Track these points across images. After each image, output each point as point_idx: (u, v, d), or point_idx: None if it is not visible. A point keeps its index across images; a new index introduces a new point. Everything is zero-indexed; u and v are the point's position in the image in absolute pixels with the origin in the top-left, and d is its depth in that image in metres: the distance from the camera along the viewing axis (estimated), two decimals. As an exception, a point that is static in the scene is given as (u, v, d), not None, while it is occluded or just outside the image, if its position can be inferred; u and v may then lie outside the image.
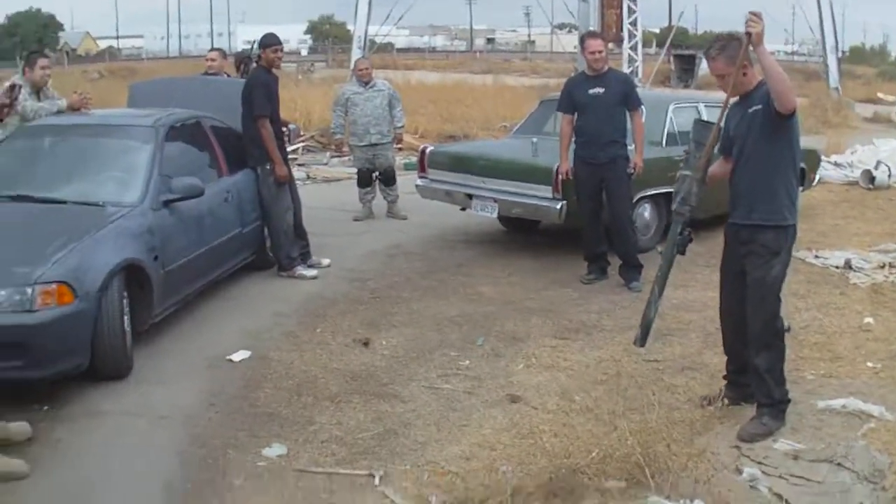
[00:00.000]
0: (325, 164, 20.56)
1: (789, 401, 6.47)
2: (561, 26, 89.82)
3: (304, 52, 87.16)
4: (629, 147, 10.51)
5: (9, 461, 5.90)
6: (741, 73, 6.39)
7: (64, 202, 8.09)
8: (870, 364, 7.80)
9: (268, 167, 10.62)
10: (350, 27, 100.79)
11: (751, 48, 6.17)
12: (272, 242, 10.90)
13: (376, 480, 5.67)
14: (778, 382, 6.40)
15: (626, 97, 10.51)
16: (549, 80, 43.54)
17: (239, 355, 8.05)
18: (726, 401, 6.62)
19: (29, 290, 6.68)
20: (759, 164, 6.38)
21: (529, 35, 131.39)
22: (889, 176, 19.14)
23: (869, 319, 9.18)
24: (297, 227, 11.07)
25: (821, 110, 38.30)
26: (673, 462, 5.45)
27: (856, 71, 79.74)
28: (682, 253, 6.69)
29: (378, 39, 47.79)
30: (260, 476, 5.82)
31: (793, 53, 77.69)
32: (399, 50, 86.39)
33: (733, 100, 6.59)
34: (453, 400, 7.05)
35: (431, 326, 8.96)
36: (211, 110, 10.69)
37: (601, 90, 10.48)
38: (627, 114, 10.59)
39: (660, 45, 65.48)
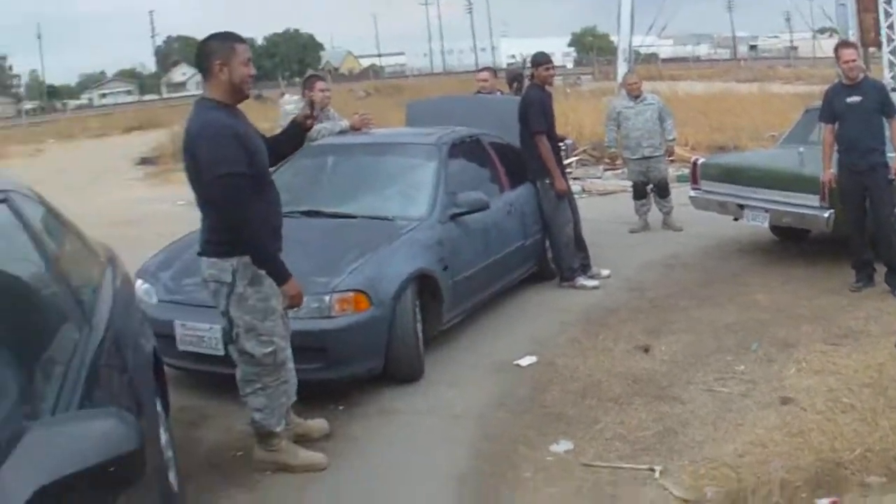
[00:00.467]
0: (600, 177, 20.90)
1: None
2: (822, 31, 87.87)
3: (569, 66, 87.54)
4: (890, 154, 10.55)
5: (311, 454, 6.46)
6: None
7: (354, 217, 8.68)
8: None
9: (547, 181, 11.08)
10: (613, 38, 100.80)
11: None
12: (554, 254, 11.34)
13: (656, 474, 6.03)
14: None
15: (883, 104, 10.57)
16: (813, 87, 42.69)
17: (526, 360, 8.52)
18: None
19: (327, 298, 7.26)
20: None
21: (791, 41, 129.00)
22: None
23: None
24: (577, 239, 11.49)
25: None
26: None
27: None
28: None
29: (642, 50, 47.81)
30: (548, 469, 6.24)
31: None
32: (663, 60, 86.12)
33: None
34: (729, 402, 7.32)
35: (708, 333, 9.23)
36: (487, 127, 11.23)
37: (858, 98, 10.56)
38: (886, 121, 10.67)
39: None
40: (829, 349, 8.51)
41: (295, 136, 6.73)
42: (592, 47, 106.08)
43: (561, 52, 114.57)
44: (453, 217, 9.02)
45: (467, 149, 10.48)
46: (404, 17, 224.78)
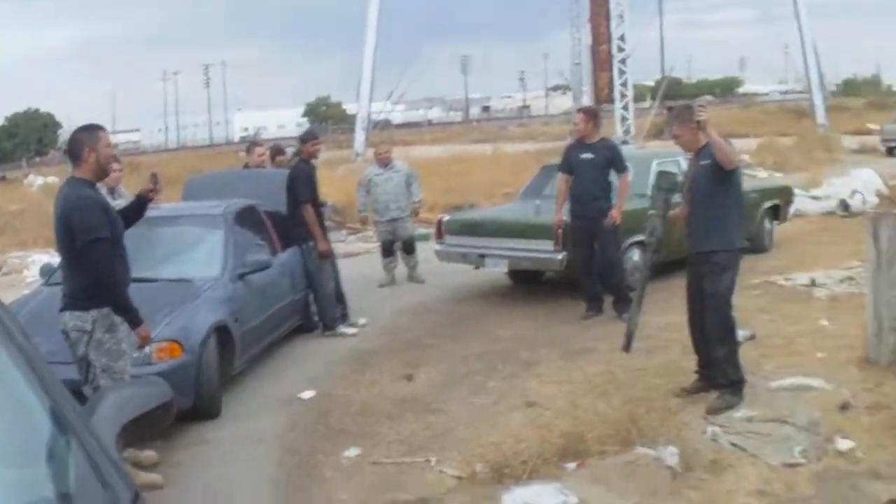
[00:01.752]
0: (343, 241, 22.26)
1: (744, 381, 8.44)
2: (555, 88, 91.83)
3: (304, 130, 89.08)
4: (614, 202, 12.46)
5: (149, 475, 7.75)
6: (694, 134, 8.42)
7: (157, 280, 9.95)
8: (819, 355, 9.68)
9: (311, 244, 12.53)
10: (346, 107, 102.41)
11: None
12: (318, 307, 12.74)
13: (433, 463, 7.59)
14: (733, 367, 8.39)
15: (613, 162, 12.49)
16: (545, 145, 45.10)
17: (307, 394, 9.92)
18: (699, 389, 8.60)
19: (147, 349, 8.55)
20: (711, 204, 8.40)
21: (524, 100, 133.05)
22: (864, 202, 21.15)
23: (824, 322, 11.14)
24: (337, 293, 12.97)
25: (806, 148, 40.25)
26: (652, 423, 7.36)
27: (847, 104, 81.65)
28: (651, 276, 8.74)
29: (375, 117, 49.40)
30: (344, 469, 7.74)
31: (786, 92, 79.47)
32: (397, 126, 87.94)
33: (690, 154, 8.69)
34: (483, 409, 8.92)
35: (460, 362, 10.80)
36: (259, 198, 12.60)
37: (591, 155, 12.51)
38: (615, 174, 12.63)
39: (655, 97, 67.43)
40: (565, 364, 10.20)
41: (140, 208, 8.06)
42: (327, 117, 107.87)
43: (295, 122, 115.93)
44: (241, 276, 10.42)
45: (246, 217, 11.84)
46: (142, 93, 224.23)
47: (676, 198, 9.22)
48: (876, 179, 23.82)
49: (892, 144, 42.05)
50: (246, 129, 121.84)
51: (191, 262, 10.62)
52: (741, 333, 10.03)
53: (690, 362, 9.03)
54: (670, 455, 6.97)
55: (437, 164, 37.02)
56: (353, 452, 8.08)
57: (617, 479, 6.78)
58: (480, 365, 10.58)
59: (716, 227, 8.42)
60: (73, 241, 7.18)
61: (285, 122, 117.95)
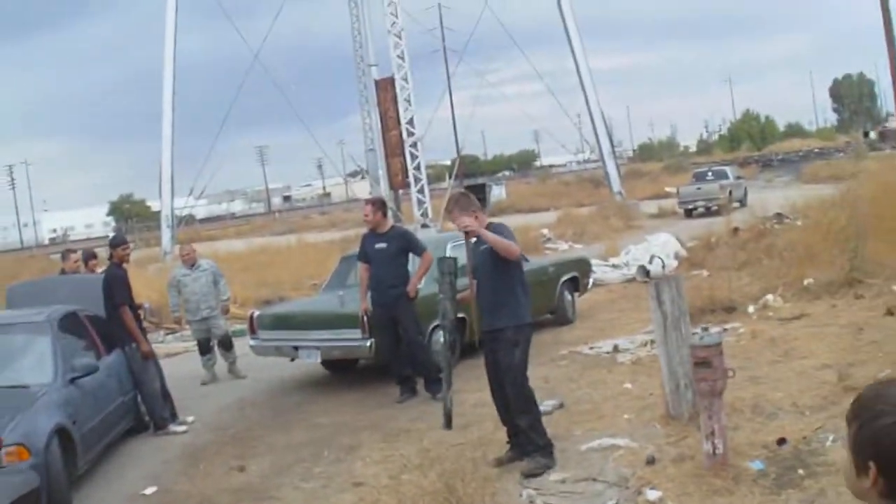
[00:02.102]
0: (162, 341, 22.49)
1: (552, 445, 9.32)
2: (353, 174, 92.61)
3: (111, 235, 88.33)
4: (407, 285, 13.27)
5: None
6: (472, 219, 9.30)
7: (-2, 388, 10.33)
8: (626, 416, 10.62)
9: (133, 346, 12.95)
10: (150, 203, 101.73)
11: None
12: (146, 407, 13.13)
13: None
14: (539, 433, 9.29)
15: (407, 248, 13.34)
16: (347, 233, 45.88)
17: (149, 490, 10.45)
18: (512, 458, 9.39)
19: (-3, 453, 9.00)
20: (495, 284, 9.28)
21: (324, 187, 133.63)
22: (663, 266, 22.42)
23: (628, 385, 12.13)
24: (163, 392, 13.42)
25: (604, 217, 41.82)
26: (469, 492, 8.12)
27: (643, 169, 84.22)
28: (453, 353, 9.57)
29: (178, 212, 49.37)
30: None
31: (585, 161, 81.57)
32: (201, 220, 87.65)
33: (472, 239, 9.54)
34: (314, 493, 9.61)
35: (287, 450, 11.47)
36: (78, 303, 13.01)
37: (384, 245, 13.36)
38: (411, 258, 13.49)
39: (455, 176, 68.79)
40: (387, 445, 10.95)
41: None
42: (131, 215, 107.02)
43: (101, 220, 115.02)
44: (72, 380, 10.85)
45: (69, 322, 12.27)
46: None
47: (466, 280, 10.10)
48: (673, 242, 25.24)
49: (690, 206, 44.20)
50: (54, 231, 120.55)
51: (23, 368, 11.02)
52: (550, 403, 11.08)
53: (503, 434, 9.83)
54: (485, 522, 7.72)
55: (244, 258, 37.44)
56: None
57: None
58: (306, 452, 11.24)
59: (503, 305, 9.33)
60: None
61: (92, 220, 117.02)
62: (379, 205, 14.16)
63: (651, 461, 8.86)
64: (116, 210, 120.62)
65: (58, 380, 10.75)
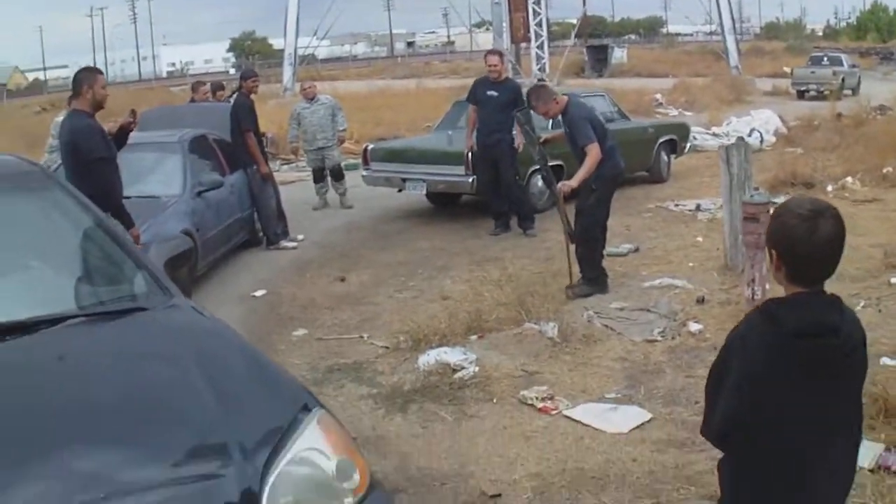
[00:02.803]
0: (278, 170, 23.77)
1: (601, 277, 10.62)
2: (479, 25, 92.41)
3: (232, 71, 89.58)
4: (513, 133, 14.18)
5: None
6: (555, 105, 10.66)
7: (129, 197, 11.54)
8: (690, 264, 11.67)
9: (254, 168, 14.29)
10: (272, 42, 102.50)
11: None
12: (262, 224, 14.49)
13: (365, 338, 9.52)
14: (590, 267, 10.51)
15: (514, 101, 14.29)
16: (467, 80, 46.34)
17: (259, 292, 11.79)
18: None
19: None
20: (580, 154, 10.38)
21: (449, 36, 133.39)
22: (761, 140, 23.15)
23: (699, 238, 13.15)
24: (278, 211, 14.74)
25: (717, 89, 42.07)
26: (537, 306, 9.31)
27: (766, 47, 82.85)
28: (555, 193, 10.72)
29: (300, 52, 50.28)
30: (294, 344, 9.65)
31: (711, 33, 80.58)
32: (322, 60, 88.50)
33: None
34: (405, 301, 10.86)
35: (386, 267, 12.75)
36: (206, 128, 14.35)
37: (496, 93, 14.36)
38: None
39: (578, 35, 68.84)
40: (475, 268, 12.18)
41: (123, 137, 9.81)
42: (252, 52, 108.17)
43: (220, 56, 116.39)
44: (199, 193, 12.17)
45: (199, 144, 13.56)
46: (69, 29, 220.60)
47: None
48: (775, 119, 25.79)
49: (802, 88, 44.18)
50: (173, 65, 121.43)
51: (156, 182, 12.26)
52: (626, 246, 12.26)
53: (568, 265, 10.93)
54: (551, 329, 8.91)
55: (363, 98, 38.42)
56: (300, 332, 9.98)
57: (508, 346, 8.72)
58: (403, 270, 12.51)
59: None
60: (78, 162, 8.92)
61: (212, 56, 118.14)
62: (502, 56, 15.25)
63: (700, 301, 9.95)
64: (237, 46, 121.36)
65: (185, 192, 12.05)
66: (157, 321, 4.63)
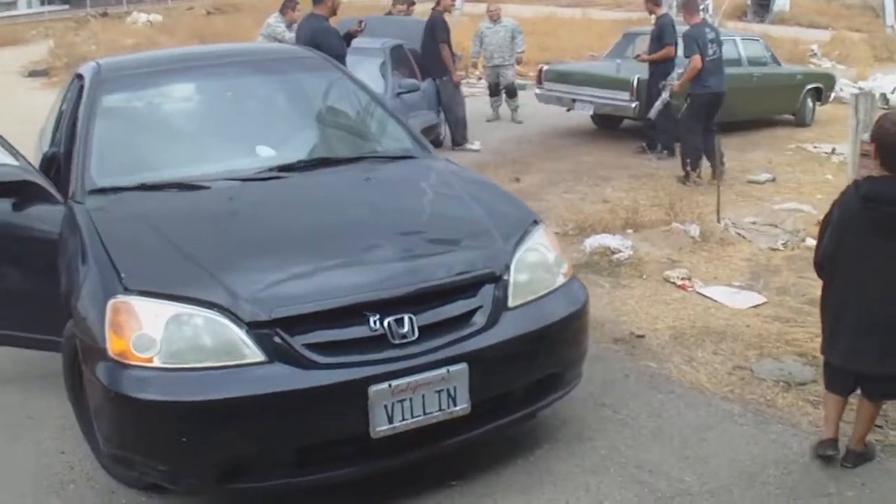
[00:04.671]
0: (465, 81, 25.11)
1: (689, 175, 13.37)
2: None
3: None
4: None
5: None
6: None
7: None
8: (818, 196, 13.14)
9: (445, 78, 16.08)
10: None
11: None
12: (450, 127, 16.30)
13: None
14: (685, 164, 13.40)
15: (661, 34, 15.93)
16: (631, 14, 47.32)
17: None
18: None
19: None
20: None
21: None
22: (901, 98, 24.29)
23: (829, 176, 14.65)
24: (463, 118, 16.63)
25: (871, 45, 42.40)
26: (684, 210, 11.05)
27: None
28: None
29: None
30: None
31: None
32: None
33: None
34: (573, 201, 12.54)
35: (554, 173, 14.49)
36: (403, 39, 16.14)
37: (652, 29, 16.21)
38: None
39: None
40: (633, 180, 13.87)
41: (349, 40, 11.76)
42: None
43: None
44: (398, 94, 13.91)
45: (398, 53, 15.37)
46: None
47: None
48: (921, 79, 26.74)
49: (957, 53, 44.24)
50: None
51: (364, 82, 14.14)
52: (765, 175, 14.06)
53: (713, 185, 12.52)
54: (693, 229, 10.60)
55: (529, 23, 39.39)
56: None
57: (658, 239, 10.42)
58: (570, 176, 14.26)
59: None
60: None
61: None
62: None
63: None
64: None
65: (388, 93, 13.75)
66: (425, 164, 6.65)
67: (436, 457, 5.15)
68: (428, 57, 16.27)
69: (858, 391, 5.48)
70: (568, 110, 18.28)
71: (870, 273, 5.11)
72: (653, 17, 16.32)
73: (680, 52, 15.26)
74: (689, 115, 14.20)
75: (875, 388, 5.38)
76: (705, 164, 13.73)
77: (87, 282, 5.00)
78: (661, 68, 15.76)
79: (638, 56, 16.09)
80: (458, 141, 16.18)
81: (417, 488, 5.25)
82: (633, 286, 9.04)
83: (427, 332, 4.81)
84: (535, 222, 5.85)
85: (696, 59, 13.86)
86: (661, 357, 7.28)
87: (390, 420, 4.67)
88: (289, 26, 15.33)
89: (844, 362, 5.35)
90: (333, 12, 11.46)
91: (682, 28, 15.22)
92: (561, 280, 5.55)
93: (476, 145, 16.40)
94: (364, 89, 7.57)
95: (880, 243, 5.04)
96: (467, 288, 5.08)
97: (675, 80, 15.02)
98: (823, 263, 5.35)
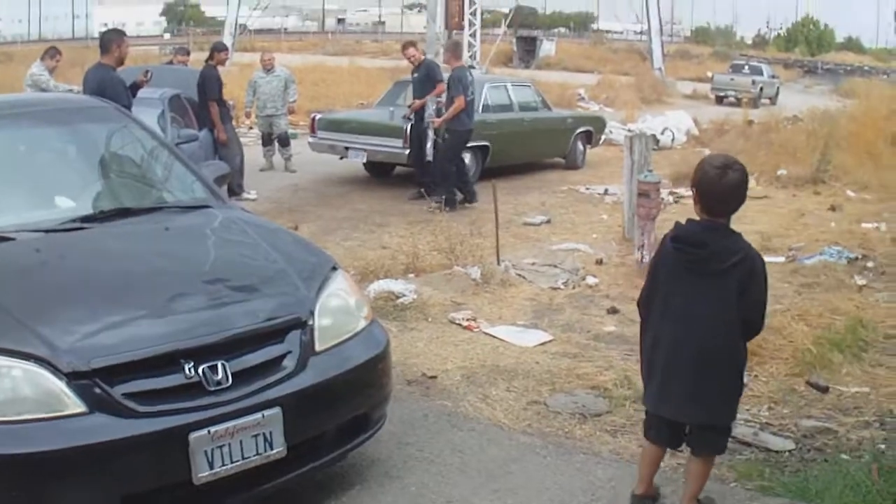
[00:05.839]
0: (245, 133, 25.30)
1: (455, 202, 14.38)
2: (411, 7, 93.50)
3: (167, 36, 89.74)
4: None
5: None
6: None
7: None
8: (594, 235, 13.83)
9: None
10: (204, 9, 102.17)
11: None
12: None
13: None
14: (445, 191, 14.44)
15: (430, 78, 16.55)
16: (399, 62, 47.76)
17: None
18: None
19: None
20: None
21: (380, 16, 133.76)
22: (672, 140, 25.39)
23: (604, 216, 15.38)
24: (241, 167, 16.72)
25: (639, 88, 44.04)
26: (464, 254, 11.43)
27: (693, 51, 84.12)
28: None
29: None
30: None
31: (641, 33, 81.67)
32: (255, 31, 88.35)
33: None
34: (353, 249, 12.72)
35: (331, 220, 14.78)
36: (179, 88, 16.06)
37: (416, 74, 16.75)
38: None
39: (509, 25, 70.28)
40: (410, 226, 14.21)
41: (133, 91, 11.82)
42: (184, 18, 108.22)
43: (152, 20, 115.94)
44: (177, 144, 13.65)
45: (176, 103, 15.31)
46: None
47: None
48: (688, 120, 27.86)
49: (721, 94, 46.45)
50: (105, 24, 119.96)
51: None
52: (540, 217, 14.57)
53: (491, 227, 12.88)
54: (475, 272, 10.95)
55: (299, 72, 39.48)
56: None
57: (440, 283, 10.72)
58: (347, 224, 14.53)
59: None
60: None
61: (143, 19, 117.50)
62: (415, 46, 17.59)
63: (599, 262, 12.11)
64: (170, 11, 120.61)
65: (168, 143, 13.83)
66: (221, 213, 6.78)
67: (256, 500, 5.26)
68: (203, 108, 16.32)
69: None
70: (341, 158, 18.62)
71: (678, 312, 5.17)
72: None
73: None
74: (448, 148, 15.80)
75: (694, 440, 5.35)
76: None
77: None
78: (419, 113, 16.56)
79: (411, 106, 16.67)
80: (235, 190, 16.26)
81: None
82: (420, 329, 9.32)
83: (240, 378, 4.96)
84: (334, 268, 6.06)
85: (461, 99, 15.15)
86: (456, 396, 7.57)
87: (211, 466, 4.78)
88: (51, 72, 15.42)
89: (655, 407, 5.36)
90: (121, 62, 11.55)
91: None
92: (363, 323, 5.79)
93: (252, 194, 16.54)
94: (158, 139, 7.73)
95: (686, 284, 5.14)
96: (275, 334, 5.26)
97: (432, 116, 15.94)
98: (641, 301, 5.44)
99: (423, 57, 17.22)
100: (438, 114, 16.05)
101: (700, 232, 5.12)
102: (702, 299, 5.09)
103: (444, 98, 16.07)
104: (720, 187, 5.03)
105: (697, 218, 5.15)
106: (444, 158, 15.81)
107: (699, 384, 5.12)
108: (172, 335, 4.97)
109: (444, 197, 15.26)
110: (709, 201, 5.10)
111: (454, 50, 16.51)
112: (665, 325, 5.23)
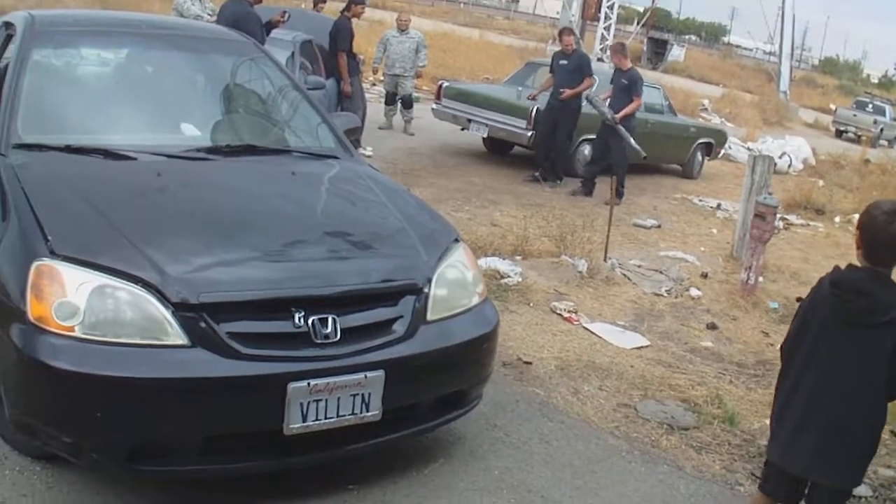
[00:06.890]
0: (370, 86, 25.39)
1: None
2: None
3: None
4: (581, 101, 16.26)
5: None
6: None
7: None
8: (702, 248, 13.58)
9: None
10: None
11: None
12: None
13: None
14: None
15: (580, 67, 16.34)
16: (528, 43, 47.64)
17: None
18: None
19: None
20: None
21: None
22: (789, 165, 24.92)
23: (714, 231, 15.11)
24: (362, 121, 16.48)
25: (762, 108, 43.45)
26: (574, 244, 11.24)
27: (819, 80, 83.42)
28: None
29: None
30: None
31: (770, 53, 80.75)
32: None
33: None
34: (461, 222, 12.37)
35: (444, 190, 14.57)
36: (312, 34, 16.02)
37: (566, 62, 16.35)
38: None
39: (642, 24, 69.70)
40: (522, 208, 14.01)
41: (268, 30, 11.77)
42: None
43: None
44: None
45: (307, 48, 15.31)
46: None
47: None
48: (806, 148, 27.27)
49: (842, 128, 45.39)
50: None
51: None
52: (651, 221, 14.21)
53: (605, 213, 12.69)
54: (582, 265, 10.81)
55: (428, 38, 39.68)
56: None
57: (546, 270, 10.59)
58: (459, 195, 14.36)
59: None
60: None
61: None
62: (572, 33, 17.33)
63: (704, 275, 11.90)
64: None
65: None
66: (349, 166, 6.74)
67: (340, 460, 5.20)
68: (332, 57, 16.25)
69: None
70: (462, 129, 18.42)
71: (823, 362, 4.80)
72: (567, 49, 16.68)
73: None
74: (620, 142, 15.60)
75: (816, 499, 4.94)
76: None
77: (7, 238, 4.89)
78: (553, 99, 16.41)
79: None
80: (357, 142, 16.19)
81: (315, 487, 5.27)
82: (520, 312, 9.20)
83: (348, 335, 4.86)
84: (457, 240, 5.97)
85: (640, 99, 15.59)
86: (549, 386, 7.45)
87: (304, 418, 4.70)
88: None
89: (780, 458, 4.95)
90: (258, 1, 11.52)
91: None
92: (476, 300, 5.68)
93: (369, 150, 16.42)
94: (295, 84, 7.62)
95: (836, 334, 4.76)
96: (390, 296, 5.17)
97: (611, 112, 15.59)
98: (786, 345, 5.04)
99: (576, 47, 16.92)
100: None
101: (863, 280, 4.73)
102: (850, 352, 4.73)
103: (593, 91, 16.04)
104: (887, 235, 4.65)
105: (858, 264, 4.79)
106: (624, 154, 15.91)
107: (834, 443, 4.78)
108: (287, 281, 4.91)
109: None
110: (873, 248, 4.73)
111: (623, 51, 16.51)
112: (808, 373, 4.84)
